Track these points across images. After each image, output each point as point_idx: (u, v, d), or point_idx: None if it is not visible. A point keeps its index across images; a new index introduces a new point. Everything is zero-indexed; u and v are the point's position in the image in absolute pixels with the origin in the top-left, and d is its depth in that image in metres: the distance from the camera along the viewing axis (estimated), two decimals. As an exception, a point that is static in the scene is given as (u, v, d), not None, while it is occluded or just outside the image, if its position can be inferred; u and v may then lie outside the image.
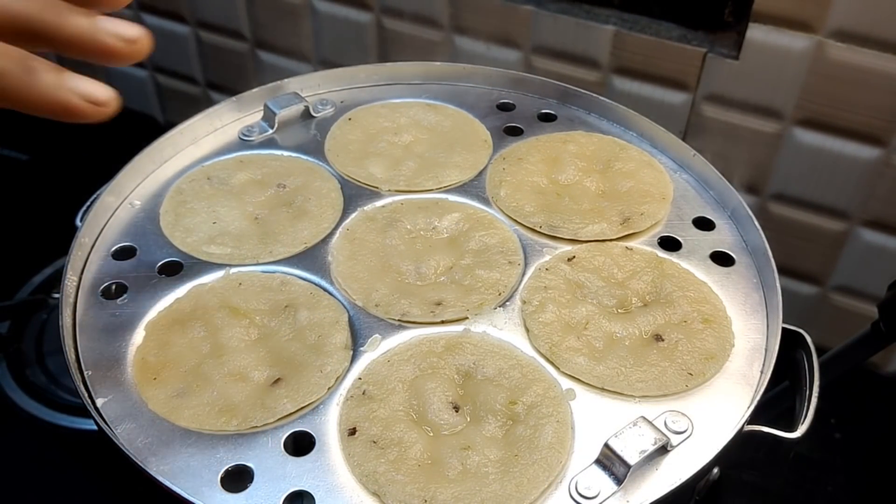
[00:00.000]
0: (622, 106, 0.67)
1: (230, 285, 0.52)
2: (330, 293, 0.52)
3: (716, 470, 0.45)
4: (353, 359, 0.48)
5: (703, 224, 0.59)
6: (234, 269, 0.54)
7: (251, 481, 0.42)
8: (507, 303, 0.52)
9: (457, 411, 0.46)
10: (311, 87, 0.70)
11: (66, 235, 0.54)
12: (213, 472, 0.42)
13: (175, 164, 0.62)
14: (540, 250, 0.56)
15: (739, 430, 0.44)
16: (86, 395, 0.46)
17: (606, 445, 0.42)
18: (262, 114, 0.67)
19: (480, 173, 0.62)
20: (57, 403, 0.87)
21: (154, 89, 1.28)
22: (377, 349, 0.49)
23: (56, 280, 0.98)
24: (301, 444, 0.44)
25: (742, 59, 0.82)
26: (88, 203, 0.57)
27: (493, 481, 0.42)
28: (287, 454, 0.43)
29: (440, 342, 0.49)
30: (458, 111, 0.69)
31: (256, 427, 0.44)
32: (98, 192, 0.57)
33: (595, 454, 0.43)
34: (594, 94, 0.69)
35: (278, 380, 0.47)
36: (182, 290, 0.52)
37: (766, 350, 0.50)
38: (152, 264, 0.54)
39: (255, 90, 0.67)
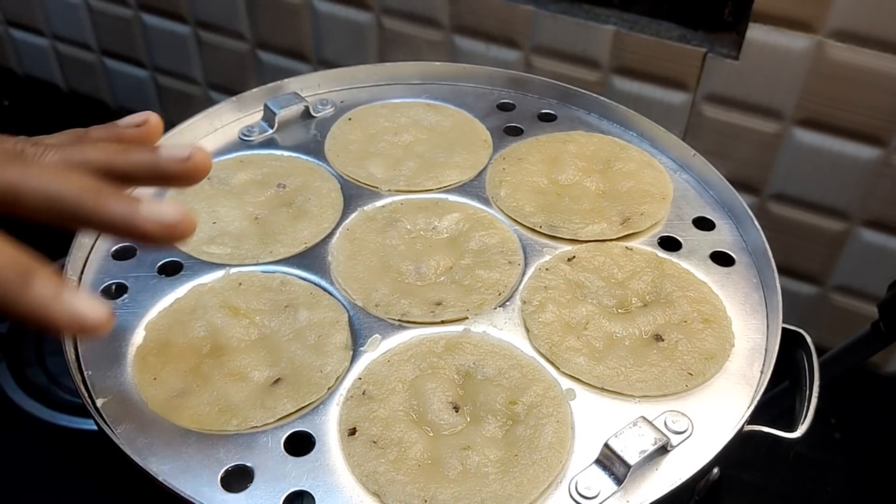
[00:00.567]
0: (622, 106, 0.67)
1: (230, 285, 0.52)
2: (330, 293, 0.52)
3: (716, 470, 0.45)
4: (353, 359, 0.48)
5: (703, 224, 0.59)
6: (234, 269, 0.54)
7: (251, 481, 0.42)
8: (507, 303, 0.52)
9: (457, 411, 0.46)
10: (311, 87, 0.70)
11: (66, 235, 0.53)
12: (213, 472, 0.42)
13: (175, 164, 0.62)
14: (540, 250, 0.56)
15: (739, 430, 0.44)
16: (86, 395, 0.45)
17: (606, 445, 0.42)
18: (262, 114, 0.66)
19: (480, 173, 0.62)
20: (57, 403, 0.87)
21: (154, 89, 1.28)
22: (377, 349, 0.49)
23: (56, 280, 0.98)
24: (301, 444, 0.44)
25: (742, 59, 0.82)
26: (88, 203, 0.57)
27: (493, 481, 0.42)
28: (287, 454, 0.43)
29: (440, 342, 0.49)
30: (458, 111, 0.69)
31: (256, 427, 0.44)
32: (98, 192, 0.57)
33: (595, 454, 0.43)
34: (594, 94, 0.69)
35: (278, 380, 0.47)
36: (182, 290, 0.52)
37: (766, 350, 0.50)
38: (152, 264, 0.54)
39: (255, 90, 0.67)
